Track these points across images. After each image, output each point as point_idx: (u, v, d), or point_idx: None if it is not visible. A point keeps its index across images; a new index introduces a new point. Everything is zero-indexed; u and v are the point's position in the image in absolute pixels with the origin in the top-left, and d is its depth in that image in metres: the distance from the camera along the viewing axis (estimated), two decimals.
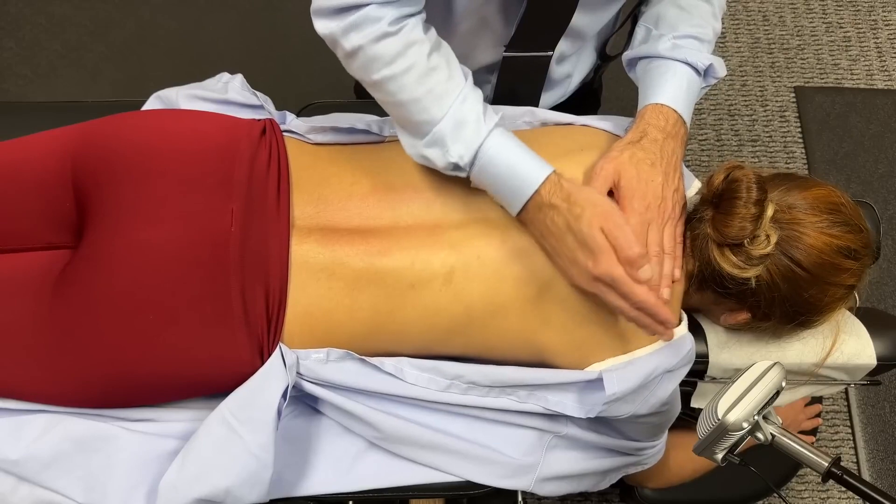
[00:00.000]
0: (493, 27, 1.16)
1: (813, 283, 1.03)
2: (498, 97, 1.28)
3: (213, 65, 1.41)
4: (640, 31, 1.18)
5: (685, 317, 1.10)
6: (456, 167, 1.00)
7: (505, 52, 1.18)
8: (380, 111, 1.25)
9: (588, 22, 1.17)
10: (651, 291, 0.95)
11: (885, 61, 2.31)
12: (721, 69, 1.15)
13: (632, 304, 0.95)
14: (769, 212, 1.01)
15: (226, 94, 1.22)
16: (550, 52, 1.19)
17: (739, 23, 2.35)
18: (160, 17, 2.22)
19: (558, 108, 1.33)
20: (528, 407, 1.06)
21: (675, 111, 1.08)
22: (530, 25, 1.13)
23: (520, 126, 1.18)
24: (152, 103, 1.23)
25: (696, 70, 1.11)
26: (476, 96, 1.00)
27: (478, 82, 1.28)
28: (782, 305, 1.05)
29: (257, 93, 1.25)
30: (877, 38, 2.34)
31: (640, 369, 1.02)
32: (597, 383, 1.03)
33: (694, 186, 1.15)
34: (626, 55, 1.18)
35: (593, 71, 1.35)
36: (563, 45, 1.20)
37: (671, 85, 1.09)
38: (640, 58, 1.15)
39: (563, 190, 0.96)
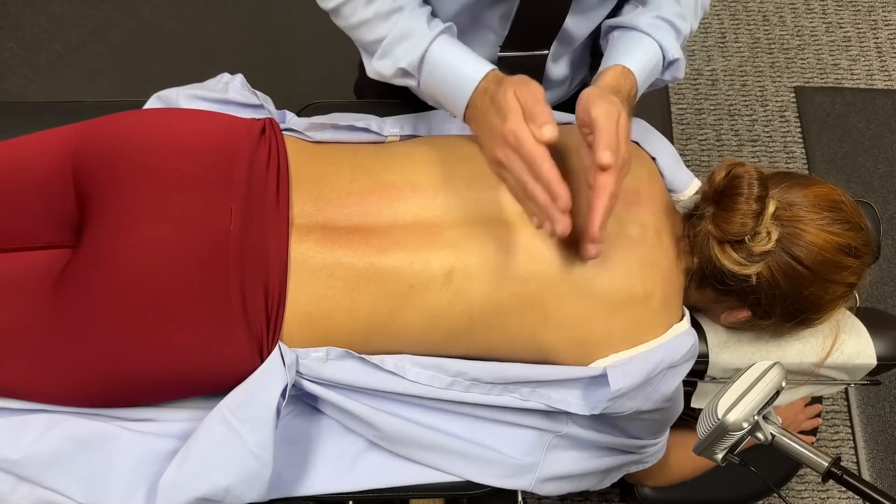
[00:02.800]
0: (489, 27, 1.16)
1: (813, 281, 1.03)
2: None
3: (213, 65, 1.41)
4: (627, 8, 1.18)
5: (687, 313, 1.10)
6: (406, 73, 1.06)
7: (500, 52, 1.18)
8: (380, 111, 1.25)
9: (579, 25, 1.17)
10: (554, 169, 0.91)
11: (885, 61, 2.31)
12: (680, 73, 1.16)
13: (532, 175, 0.91)
14: (770, 208, 1.01)
15: (226, 93, 1.22)
16: (546, 52, 1.20)
17: (739, 23, 2.35)
18: (160, 17, 2.22)
19: (557, 108, 1.33)
20: (530, 405, 1.06)
21: (637, 83, 1.08)
22: (524, 25, 1.13)
23: None
24: (153, 103, 1.23)
25: (664, 58, 1.12)
26: (421, 12, 1.06)
27: None
28: (783, 303, 1.05)
29: (257, 92, 1.25)
30: (877, 38, 2.35)
31: (644, 364, 1.02)
32: (600, 379, 1.03)
33: (693, 185, 1.15)
34: (607, 22, 1.18)
35: (590, 70, 1.35)
36: (556, 47, 1.20)
37: (641, 57, 1.09)
38: (619, 26, 1.16)
39: (497, 77, 1.00)
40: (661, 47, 1.11)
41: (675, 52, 1.12)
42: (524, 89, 0.94)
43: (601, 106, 0.92)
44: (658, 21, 1.12)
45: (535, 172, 0.91)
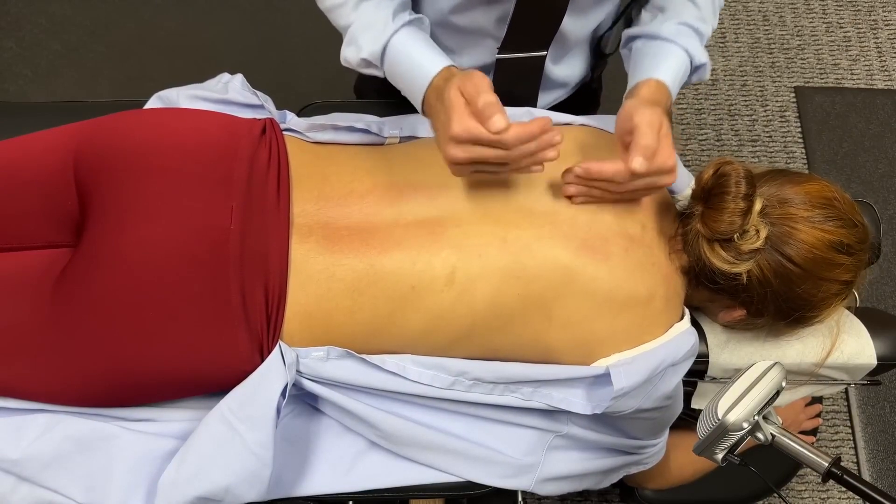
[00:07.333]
0: (486, 29, 1.16)
1: (805, 279, 1.03)
2: None
3: (213, 65, 1.42)
4: (645, 16, 1.19)
5: (687, 312, 1.10)
6: (369, 63, 1.08)
7: (498, 53, 1.18)
8: (380, 111, 1.25)
9: (577, 25, 1.17)
10: (523, 124, 0.92)
11: (885, 61, 2.31)
12: (706, 74, 1.17)
13: (511, 145, 0.92)
14: (757, 206, 1.01)
15: (226, 94, 1.22)
16: (544, 53, 1.19)
17: (739, 23, 2.35)
18: (160, 17, 2.22)
19: (558, 108, 1.33)
20: (532, 404, 1.06)
21: (670, 93, 1.09)
22: (521, 27, 1.13)
23: None
24: (153, 103, 1.23)
25: (691, 62, 1.13)
26: (390, 3, 1.07)
27: None
28: (775, 301, 1.04)
29: (257, 92, 1.25)
30: (877, 38, 2.35)
31: (647, 364, 1.02)
32: (602, 379, 1.03)
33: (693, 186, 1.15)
34: (628, 31, 1.18)
35: (591, 70, 1.34)
36: (555, 47, 1.20)
37: (671, 67, 1.10)
38: (641, 36, 1.16)
39: (448, 73, 1.00)
40: (687, 53, 1.12)
41: (701, 56, 1.13)
42: (467, 83, 0.94)
43: (644, 113, 0.95)
44: (682, 27, 1.13)
45: (518, 141, 0.92)
